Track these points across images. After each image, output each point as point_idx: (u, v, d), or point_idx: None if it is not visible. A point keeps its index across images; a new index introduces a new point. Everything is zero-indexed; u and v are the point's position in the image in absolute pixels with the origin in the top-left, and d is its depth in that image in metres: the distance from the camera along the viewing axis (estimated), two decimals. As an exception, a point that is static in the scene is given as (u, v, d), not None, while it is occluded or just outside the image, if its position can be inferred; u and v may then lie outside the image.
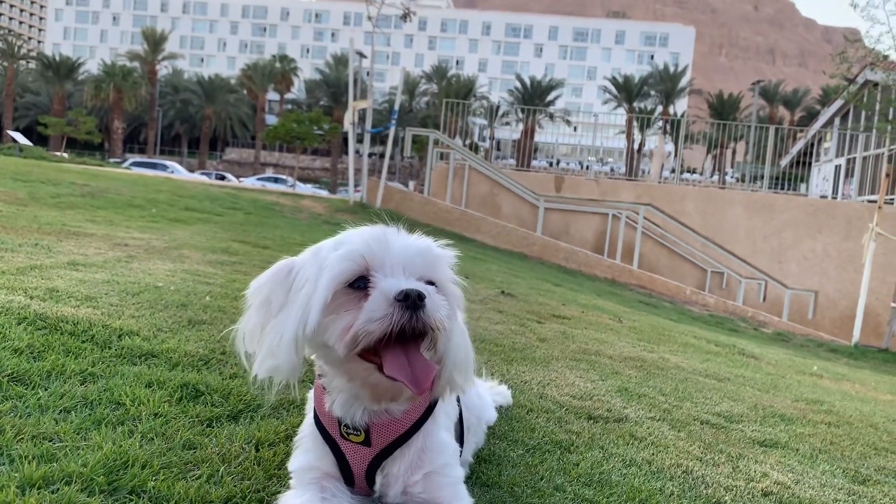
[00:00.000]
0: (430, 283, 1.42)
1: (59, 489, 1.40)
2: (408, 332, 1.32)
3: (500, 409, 2.47)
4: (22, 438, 1.60)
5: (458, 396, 1.70)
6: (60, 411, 1.82)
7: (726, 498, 2.04)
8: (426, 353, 1.39)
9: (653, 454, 2.34)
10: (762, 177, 21.81)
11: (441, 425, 1.54)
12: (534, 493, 1.81)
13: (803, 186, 33.32)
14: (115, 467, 1.52)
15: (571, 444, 2.29)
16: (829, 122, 29.69)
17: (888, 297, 15.31)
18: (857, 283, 13.34)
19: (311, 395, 1.61)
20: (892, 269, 14.78)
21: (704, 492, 2.06)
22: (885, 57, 16.78)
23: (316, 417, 1.53)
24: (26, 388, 1.93)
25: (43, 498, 1.35)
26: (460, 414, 1.72)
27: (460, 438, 1.70)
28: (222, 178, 41.51)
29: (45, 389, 1.95)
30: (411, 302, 1.31)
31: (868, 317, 13.81)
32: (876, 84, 21.35)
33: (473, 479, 1.84)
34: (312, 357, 1.49)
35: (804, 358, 8.14)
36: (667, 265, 16.48)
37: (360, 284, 1.37)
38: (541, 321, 5.36)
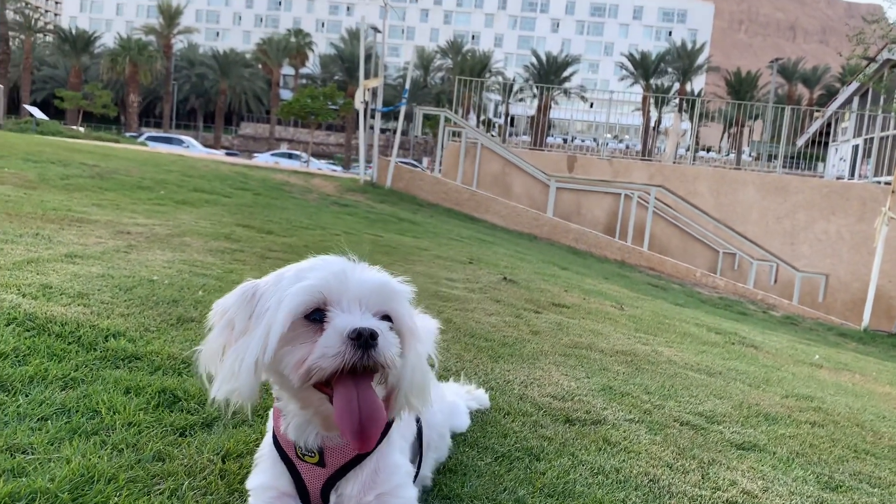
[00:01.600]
0: (386, 317, 1.45)
1: (23, 507, 1.46)
2: (359, 369, 1.37)
3: (476, 413, 2.52)
4: (-5, 451, 1.66)
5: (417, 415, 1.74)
6: (38, 420, 1.88)
7: (688, 509, 2.08)
8: (377, 387, 1.43)
9: (623, 461, 2.38)
10: (778, 156, 21.60)
11: (395, 446, 1.59)
12: (493, 506, 1.85)
13: (820, 166, 32.96)
14: (81, 482, 1.57)
15: (542, 450, 2.33)
16: (848, 102, 29.25)
17: (901, 280, 15.19)
18: (870, 265, 13.23)
19: (271, 413, 1.66)
20: (905, 252, 14.63)
21: (668, 502, 2.10)
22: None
23: (274, 438, 1.58)
24: (7, 395, 1.99)
25: (6, 517, 1.41)
26: (419, 431, 1.76)
27: (419, 457, 1.74)
28: (233, 154, 41.67)
29: (26, 396, 2.01)
30: (363, 341, 1.35)
31: (879, 300, 13.73)
32: (895, 65, 20.99)
33: (435, 492, 1.88)
34: (269, 381, 1.53)
35: (808, 345, 8.12)
36: (678, 246, 16.44)
37: (316, 317, 1.41)
38: (538, 311, 5.39)
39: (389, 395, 1.51)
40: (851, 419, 3.74)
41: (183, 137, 42.04)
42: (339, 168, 44.59)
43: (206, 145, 48.58)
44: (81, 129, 42.67)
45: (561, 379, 3.34)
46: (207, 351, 1.50)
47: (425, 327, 1.69)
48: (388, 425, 1.57)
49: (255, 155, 45.99)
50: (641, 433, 2.73)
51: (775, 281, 15.82)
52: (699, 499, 2.17)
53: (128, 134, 46.86)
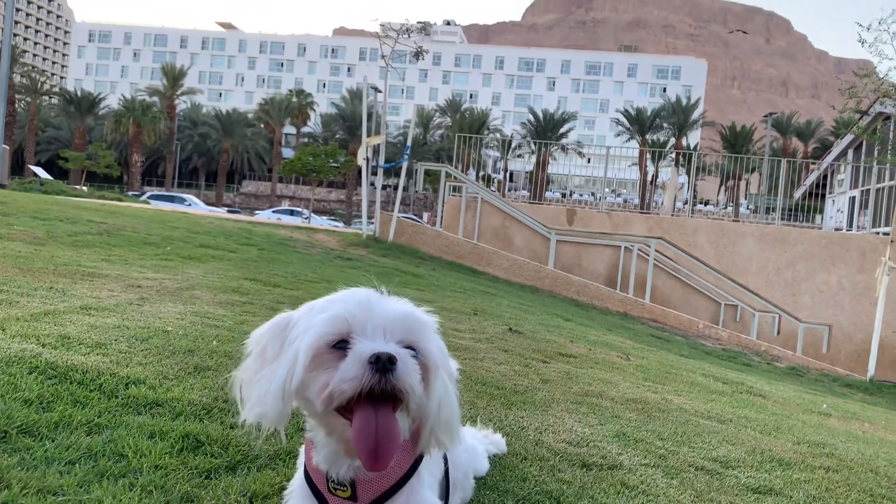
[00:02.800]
0: (410, 347, 1.49)
1: (60, 546, 1.47)
2: (377, 393, 1.40)
3: (493, 457, 2.53)
4: (27, 492, 1.68)
5: (445, 453, 1.76)
6: (65, 463, 1.90)
7: (711, 549, 2.08)
8: (400, 416, 1.46)
9: (643, 503, 2.38)
10: (776, 208, 21.81)
11: (425, 483, 1.61)
12: (519, 545, 1.86)
13: (818, 218, 33.22)
14: (114, 523, 1.59)
15: (562, 494, 2.34)
16: (843, 154, 29.68)
17: (904, 330, 15.16)
18: (873, 315, 13.25)
19: (302, 450, 1.69)
20: (906, 302, 14.64)
21: (690, 543, 2.10)
22: (896, 89, 16.85)
23: (306, 472, 1.60)
24: (34, 440, 2.02)
25: (44, 554, 1.43)
26: (446, 470, 1.79)
27: (445, 495, 1.76)
28: (235, 212, 41.98)
29: (52, 441, 2.03)
30: (381, 364, 1.39)
31: (884, 350, 13.68)
32: (888, 117, 21.38)
33: (460, 532, 1.89)
34: (300, 409, 1.57)
35: (815, 395, 8.09)
36: (680, 298, 16.47)
37: (341, 345, 1.46)
38: (546, 360, 5.41)
39: (417, 428, 1.54)
40: (865, 465, 3.73)
41: (185, 195, 42.44)
42: (340, 224, 44.89)
43: (207, 203, 48.96)
44: (84, 188, 43.09)
45: (574, 426, 3.35)
46: (242, 375, 1.57)
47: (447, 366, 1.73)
48: (418, 461, 1.60)
49: (257, 212, 46.39)
50: (658, 477, 2.74)
51: (778, 332, 15.80)
52: (721, 540, 2.17)
53: (130, 193, 47.26)
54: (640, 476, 2.70)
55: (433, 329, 1.58)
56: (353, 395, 1.40)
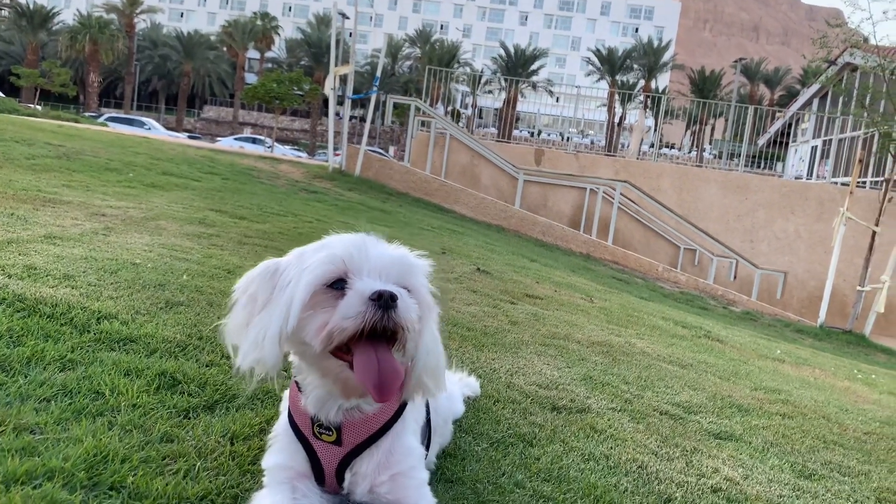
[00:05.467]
0: (405, 288, 1.49)
1: (41, 485, 1.47)
2: (379, 330, 1.40)
3: (468, 400, 2.57)
4: (4, 430, 1.66)
5: (427, 400, 1.78)
6: (41, 400, 1.88)
7: (677, 494, 2.16)
8: (396, 355, 1.47)
9: (611, 448, 2.45)
10: (739, 155, 22.04)
11: (409, 429, 1.63)
12: (495, 489, 1.91)
13: (780, 166, 33.68)
14: (95, 462, 1.58)
15: (534, 437, 2.39)
16: (808, 104, 29.95)
17: (855, 279, 15.63)
18: (827, 264, 13.60)
19: (286, 394, 1.69)
20: (860, 251, 15.04)
21: (657, 488, 2.18)
22: (866, 39, 16.93)
23: (290, 417, 1.61)
24: (7, 375, 1.99)
25: (27, 494, 1.42)
26: (428, 417, 1.81)
27: (427, 441, 1.78)
28: (196, 138, 41.03)
29: (26, 377, 2.00)
30: (384, 301, 1.40)
31: (835, 298, 14.10)
32: (855, 68, 21.54)
33: (438, 476, 1.93)
34: (289, 355, 1.56)
35: (769, 340, 8.35)
36: (641, 241, 16.70)
37: (338, 286, 1.46)
38: (514, 301, 5.47)
39: (405, 369, 1.55)
40: (818, 411, 3.88)
41: (144, 119, 41.21)
42: (304, 154, 44.24)
43: (167, 128, 47.74)
44: (38, 107, 41.61)
45: (544, 368, 3.41)
46: (232, 324, 1.55)
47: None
48: (402, 406, 1.62)
49: (218, 139, 45.41)
50: (625, 422, 2.82)
51: (735, 277, 16.18)
52: (686, 484, 2.26)
53: (87, 114, 45.78)
54: (608, 420, 2.78)
55: (425, 272, 1.58)
56: (355, 333, 1.40)
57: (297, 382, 1.59)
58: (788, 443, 3.06)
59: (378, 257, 1.50)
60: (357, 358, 1.43)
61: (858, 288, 13.54)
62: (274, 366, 1.48)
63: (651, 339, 5.19)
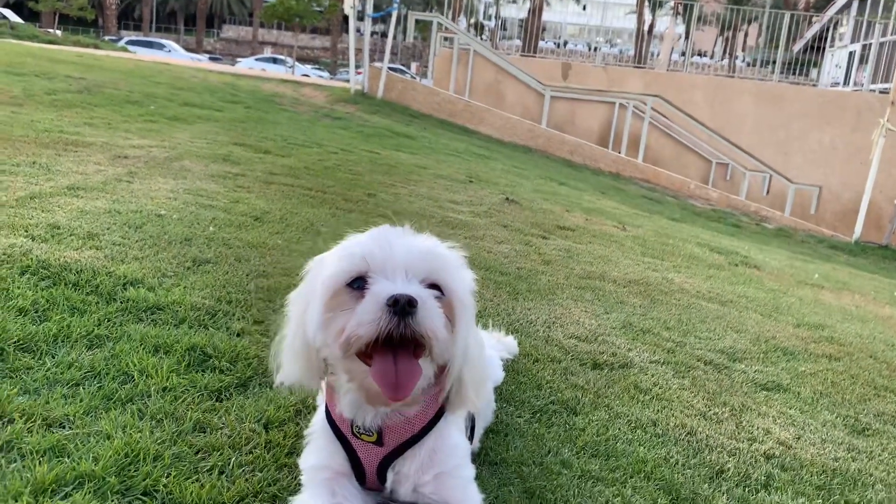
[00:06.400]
0: (436, 286, 1.37)
1: (70, 494, 1.40)
2: (395, 338, 1.29)
3: (506, 363, 2.48)
4: (32, 426, 1.60)
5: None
6: (69, 386, 1.81)
7: (730, 465, 2.07)
8: (424, 363, 1.36)
9: (657, 412, 2.36)
10: (774, 62, 21.19)
11: (453, 425, 1.53)
12: (541, 471, 1.83)
13: (815, 73, 32.41)
14: (126, 463, 1.52)
15: (577, 403, 2.31)
16: (847, 6, 28.52)
17: (893, 192, 15.20)
18: (863, 176, 13.16)
19: (323, 384, 1.60)
20: (899, 163, 14.57)
21: (708, 458, 2.09)
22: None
23: (328, 413, 1.52)
24: (33, 358, 1.92)
25: (57, 507, 1.36)
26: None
27: (471, 429, 1.70)
28: (216, 59, 40.45)
29: (52, 358, 1.94)
30: (400, 308, 1.27)
31: (871, 211, 13.72)
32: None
33: (482, 458, 1.86)
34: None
35: (805, 261, 8.16)
36: (671, 156, 16.29)
37: (358, 285, 1.34)
38: (545, 236, 5.33)
39: (441, 372, 1.45)
40: (864, 349, 3.76)
41: (164, 41, 40.66)
42: (325, 73, 43.46)
43: (188, 49, 47.04)
44: (59, 32, 41.05)
45: (581, 316, 3.31)
46: (280, 342, 1.49)
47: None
48: (444, 406, 1.52)
49: (239, 60, 44.70)
50: (669, 377, 2.72)
51: (768, 192, 15.80)
52: (737, 452, 2.17)
53: (107, 38, 45.11)
54: (652, 377, 2.68)
55: (459, 266, 1.44)
56: (371, 341, 1.29)
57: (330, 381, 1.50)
58: (838, 391, 2.95)
59: (403, 252, 1.36)
60: (375, 365, 1.33)
61: (897, 202, 13.15)
62: (310, 378, 1.41)
63: (688, 272, 5.05)
